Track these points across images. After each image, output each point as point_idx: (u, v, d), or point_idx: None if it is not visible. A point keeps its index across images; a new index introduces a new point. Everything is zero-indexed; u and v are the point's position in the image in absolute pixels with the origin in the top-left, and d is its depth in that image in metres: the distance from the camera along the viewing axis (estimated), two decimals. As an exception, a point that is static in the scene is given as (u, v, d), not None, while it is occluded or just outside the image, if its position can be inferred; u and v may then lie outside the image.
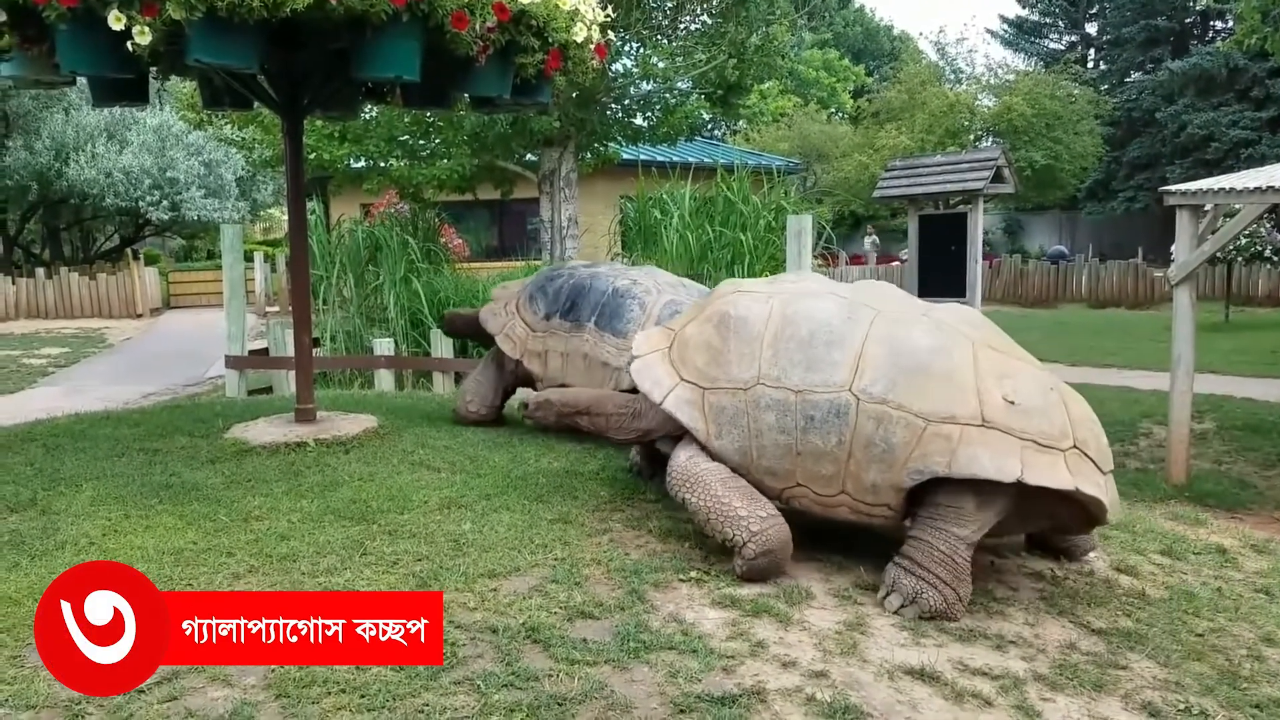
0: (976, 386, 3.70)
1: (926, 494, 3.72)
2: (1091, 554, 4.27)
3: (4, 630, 3.13)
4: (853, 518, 3.89)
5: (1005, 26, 44.95)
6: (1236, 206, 8.96)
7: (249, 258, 20.01)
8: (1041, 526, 4.05)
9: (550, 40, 4.93)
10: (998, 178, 14.47)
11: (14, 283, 23.67)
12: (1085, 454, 3.68)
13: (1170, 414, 9.06)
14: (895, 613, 3.52)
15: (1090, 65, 41.03)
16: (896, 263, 29.38)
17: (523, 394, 6.02)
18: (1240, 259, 20.95)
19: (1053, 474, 3.57)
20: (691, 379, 4.10)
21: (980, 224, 14.54)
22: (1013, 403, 3.67)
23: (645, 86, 14.45)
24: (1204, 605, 3.87)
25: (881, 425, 3.70)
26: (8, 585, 3.52)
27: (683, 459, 4.02)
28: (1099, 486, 3.65)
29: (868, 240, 29.88)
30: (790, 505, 3.99)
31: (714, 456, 4.00)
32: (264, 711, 2.67)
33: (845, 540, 4.14)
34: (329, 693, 2.75)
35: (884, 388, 3.73)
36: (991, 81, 36.96)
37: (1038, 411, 3.68)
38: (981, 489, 3.63)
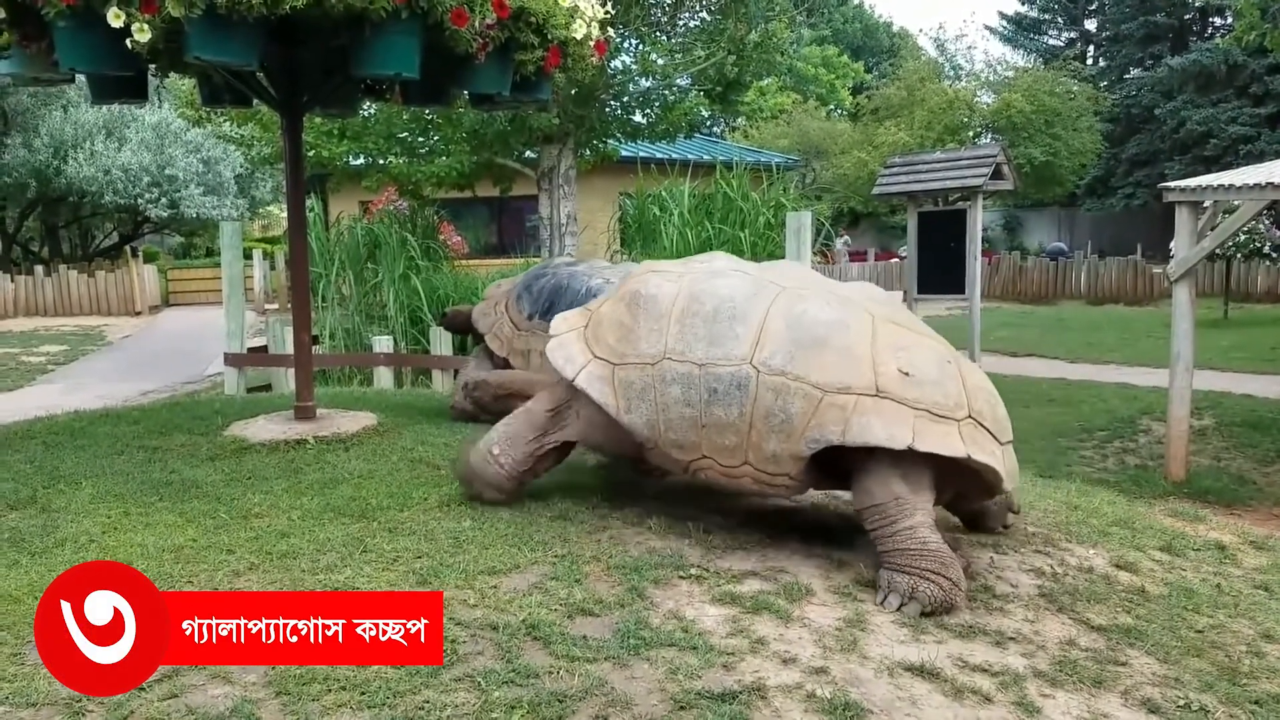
0: (873, 359, 3.79)
1: (861, 488, 3.78)
2: (1005, 527, 4.41)
3: (4, 628, 3.13)
4: (756, 488, 4.02)
5: (1004, 23, 44.97)
6: (1235, 203, 8.97)
7: (248, 255, 20.01)
8: (946, 498, 4.08)
9: (549, 37, 4.93)
10: (997, 174, 14.46)
11: (13, 280, 23.69)
12: (981, 424, 3.77)
13: (1169, 410, 9.07)
14: (898, 610, 3.50)
15: (1089, 62, 41.03)
16: (895, 259, 29.39)
17: (462, 376, 6.08)
18: (1239, 255, 20.98)
19: (945, 442, 3.66)
20: (604, 356, 4.22)
21: (979, 221, 14.53)
22: (907, 374, 3.75)
23: (644, 83, 14.43)
24: (1203, 602, 3.87)
25: (780, 396, 3.80)
26: (8, 583, 3.52)
27: (539, 397, 4.43)
28: (994, 455, 3.73)
29: (839, 241, 29.84)
30: (698, 477, 4.13)
31: (625, 430, 4.13)
32: (265, 709, 2.67)
33: (846, 537, 4.15)
34: (329, 690, 2.75)
35: (783, 360, 3.83)
36: (991, 78, 37.05)
37: (932, 383, 3.76)
38: (904, 468, 3.70)
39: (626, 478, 4.87)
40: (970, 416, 3.76)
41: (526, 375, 4.98)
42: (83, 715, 2.63)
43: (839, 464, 3.87)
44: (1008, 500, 4.35)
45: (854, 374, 3.76)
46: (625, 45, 14.20)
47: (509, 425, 4.39)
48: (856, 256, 32.09)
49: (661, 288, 4.22)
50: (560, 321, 4.55)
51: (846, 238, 34.12)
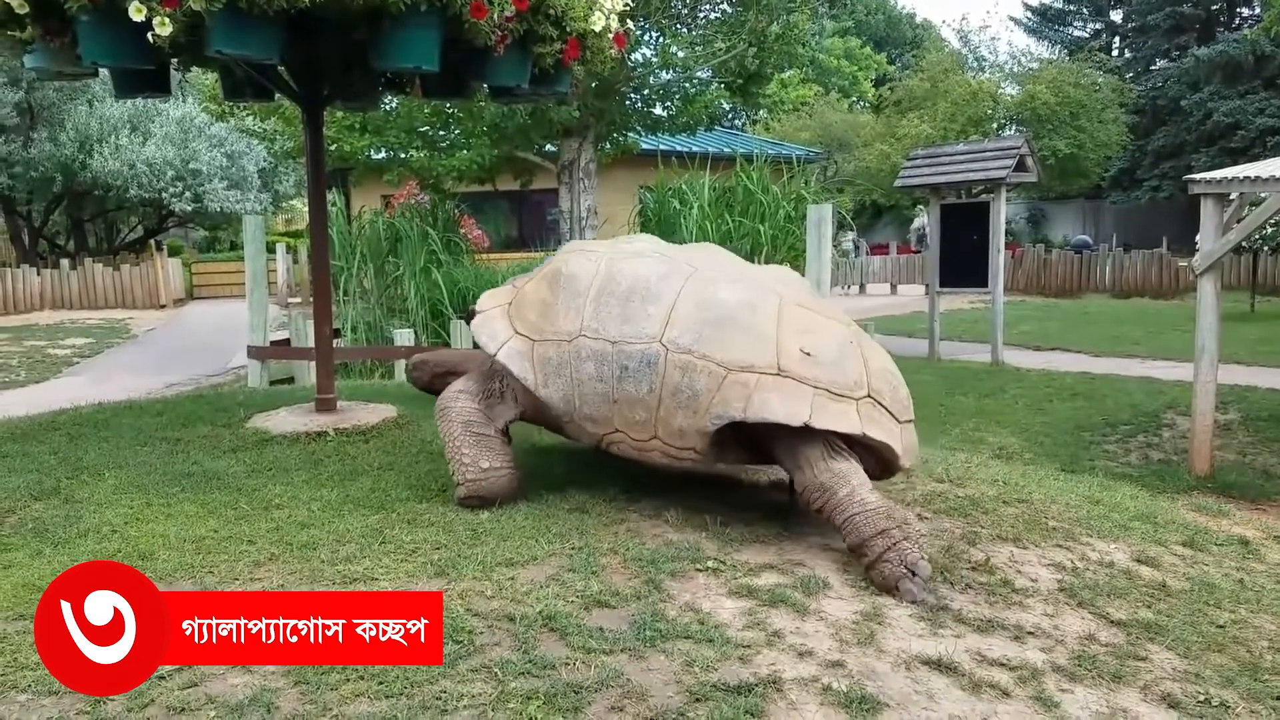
0: (776, 339, 3.93)
1: (799, 471, 3.91)
2: None
3: (28, 617, 3.16)
4: (665, 461, 4.18)
5: (1029, 14, 44.59)
6: (1262, 195, 8.86)
7: (271, 249, 20.13)
8: None
9: (568, 29, 4.92)
10: (1021, 166, 14.38)
11: (39, 274, 23.93)
12: (879, 403, 3.92)
13: (1194, 404, 8.99)
14: (917, 600, 3.49)
15: (1115, 53, 40.67)
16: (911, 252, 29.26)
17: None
18: (1266, 248, 20.73)
19: (842, 419, 3.80)
20: (525, 332, 4.36)
21: (1003, 213, 14.46)
22: (809, 354, 3.89)
23: (664, 76, 14.42)
24: (1225, 597, 3.84)
25: (687, 374, 3.95)
26: (31, 572, 3.56)
27: (449, 391, 4.50)
28: (891, 433, 3.89)
29: (848, 239, 29.69)
30: (611, 451, 4.27)
31: (542, 404, 4.29)
32: (283, 698, 2.69)
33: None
34: (347, 680, 2.77)
35: (690, 339, 3.98)
36: (1015, 69, 36.75)
37: (832, 363, 3.90)
38: (827, 445, 3.84)
39: (643, 471, 4.88)
40: (869, 396, 3.91)
41: (463, 352, 5.05)
42: (103, 704, 2.66)
43: (750, 439, 4.05)
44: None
45: (757, 353, 3.91)
46: (645, 38, 14.19)
47: (465, 443, 4.32)
48: (878, 249, 31.97)
49: (582, 266, 4.38)
50: (486, 298, 4.70)
51: (854, 235, 33.98)
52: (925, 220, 29.39)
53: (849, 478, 3.79)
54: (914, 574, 3.54)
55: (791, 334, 3.95)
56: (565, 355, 4.20)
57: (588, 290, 4.26)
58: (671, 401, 3.98)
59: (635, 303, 4.13)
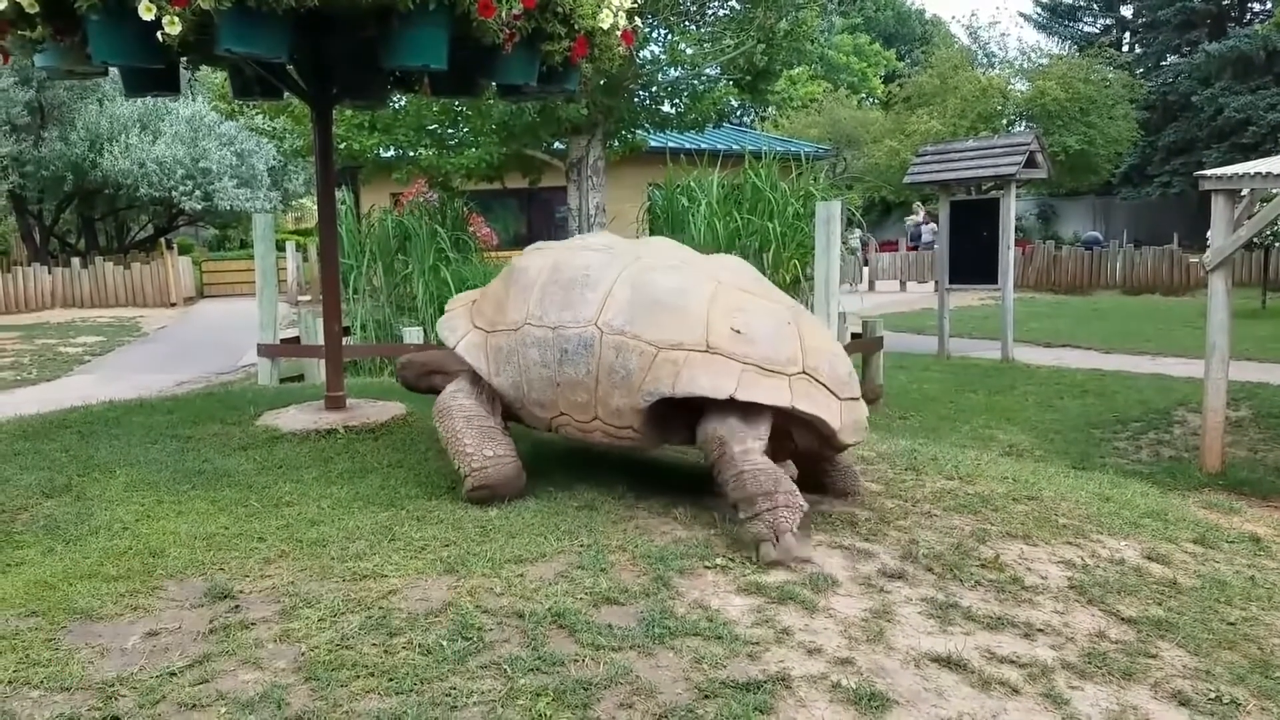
0: (707, 319, 4.08)
1: (702, 427, 4.05)
2: (852, 494, 4.57)
3: (40, 614, 3.18)
4: (607, 441, 4.34)
5: (1038, 10, 44.41)
6: (1274, 191, 8.82)
7: (281, 247, 20.17)
8: (790, 448, 4.32)
9: (576, 27, 4.92)
10: (1031, 163, 14.34)
11: (50, 272, 24.01)
12: (816, 379, 4.05)
13: (1205, 401, 8.95)
14: (773, 563, 3.66)
15: (1125, 48, 40.45)
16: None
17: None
18: (1277, 244, 20.62)
19: (770, 393, 3.94)
20: (481, 325, 4.59)
21: (1013, 210, 14.42)
22: (739, 332, 4.04)
23: (673, 73, 14.40)
24: (1236, 594, 3.83)
25: (621, 354, 4.13)
26: (43, 569, 3.58)
27: (446, 392, 4.61)
28: (828, 409, 4.01)
29: (855, 236, 29.55)
30: (559, 433, 4.50)
31: (495, 392, 4.48)
32: (294, 694, 2.70)
33: (872, 530, 4.13)
34: (358, 676, 2.78)
35: (623, 321, 4.16)
36: (1025, 66, 36.59)
37: (764, 340, 4.04)
38: (741, 409, 3.97)
39: (652, 468, 4.88)
40: (804, 372, 4.04)
41: (447, 351, 5.11)
42: (115, 700, 2.67)
43: (691, 421, 4.15)
44: (853, 477, 4.62)
45: (687, 332, 4.07)
46: (653, 35, 14.17)
47: (469, 435, 4.38)
48: (887, 246, 31.88)
49: (532, 261, 4.63)
50: (454, 300, 5.02)
51: (862, 232, 33.85)
52: (919, 218, 29.23)
53: (745, 437, 3.94)
54: (778, 540, 3.70)
55: (723, 314, 4.09)
56: (513, 343, 4.41)
57: (534, 282, 4.47)
58: (608, 382, 4.16)
59: (575, 290, 4.32)
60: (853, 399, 4.17)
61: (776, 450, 4.22)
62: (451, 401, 4.53)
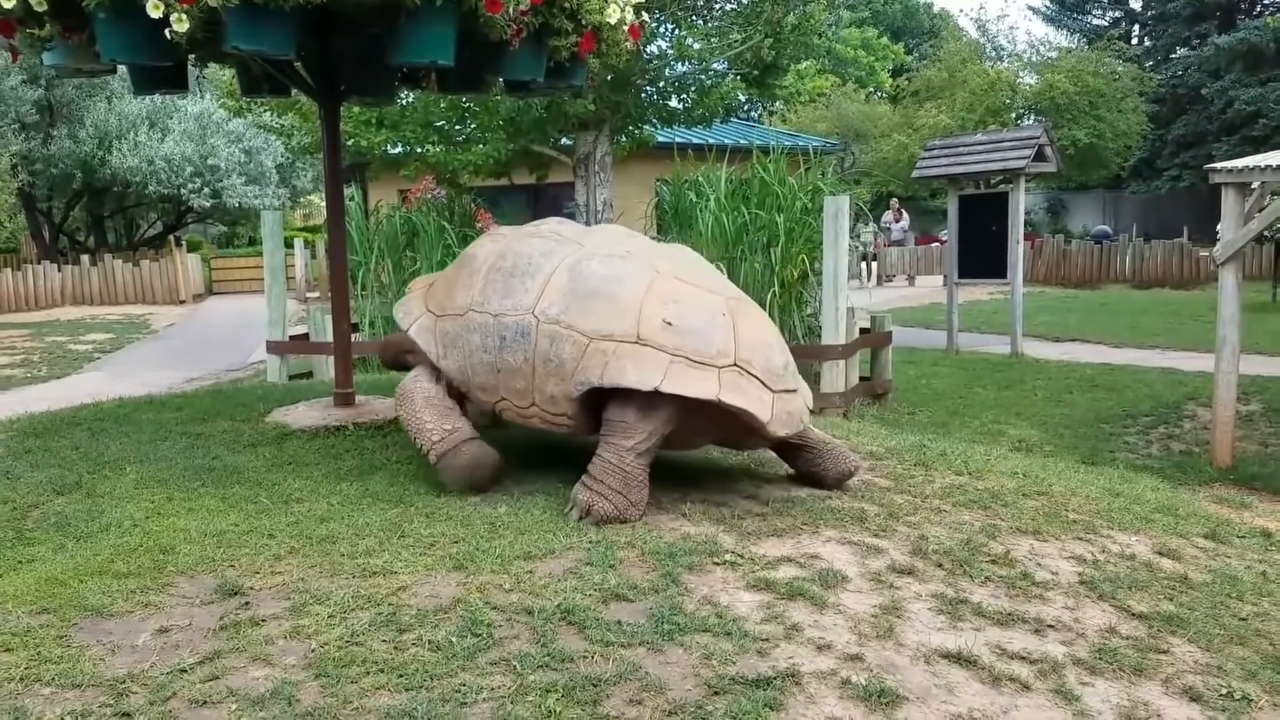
0: (639, 309, 4.13)
1: (606, 411, 4.16)
2: (849, 481, 4.64)
3: (51, 611, 3.19)
4: (544, 427, 4.42)
5: (1047, 3, 44.24)
6: (1285, 184, 8.77)
7: (289, 244, 20.21)
8: (715, 438, 4.50)
9: (584, 22, 4.91)
10: (1040, 156, 14.28)
11: (60, 270, 24.10)
12: (748, 372, 4.09)
13: (1215, 395, 8.92)
14: (579, 522, 3.94)
15: (1135, 41, 40.31)
16: (936, 243, 29.08)
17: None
18: (1288, 238, 20.52)
19: (698, 385, 3.99)
20: (433, 310, 4.69)
21: (1022, 204, 14.37)
22: (670, 324, 4.08)
23: (680, 68, 14.36)
24: (1248, 589, 3.81)
25: (555, 343, 4.20)
26: (54, 566, 3.59)
27: (409, 377, 4.74)
28: (758, 401, 4.06)
29: (868, 229, 29.40)
30: (503, 418, 4.59)
31: (443, 375, 4.60)
32: (304, 690, 2.70)
33: (882, 525, 4.13)
34: (368, 672, 2.78)
35: (558, 310, 4.23)
36: (1033, 59, 36.44)
37: (695, 332, 4.08)
38: (644, 402, 4.06)
39: (660, 465, 4.88)
40: (735, 364, 4.07)
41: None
42: (126, 696, 2.68)
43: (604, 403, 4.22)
44: (839, 457, 4.61)
45: (618, 323, 4.12)
46: (661, 30, 14.14)
47: (429, 415, 4.54)
48: (896, 241, 31.77)
49: (482, 247, 4.74)
50: (413, 284, 5.10)
51: (873, 227, 33.75)
52: (890, 217, 28.95)
53: (632, 433, 4.07)
54: (587, 516, 3.98)
55: (656, 305, 4.14)
56: (459, 329, 4.52)
57: (480, 268, 4.57)
58: (543, 369, 4.23)
59: (516, 278, 4.41)
60: (787, 391, 4.21)
61: (705, 436, 4.43)
62: (413, 385, 4.67)
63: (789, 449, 4.57)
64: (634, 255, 4.41)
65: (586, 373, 4.11)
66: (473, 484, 4.42)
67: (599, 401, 4.22)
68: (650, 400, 4.05)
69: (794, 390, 4.26)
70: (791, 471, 4.73)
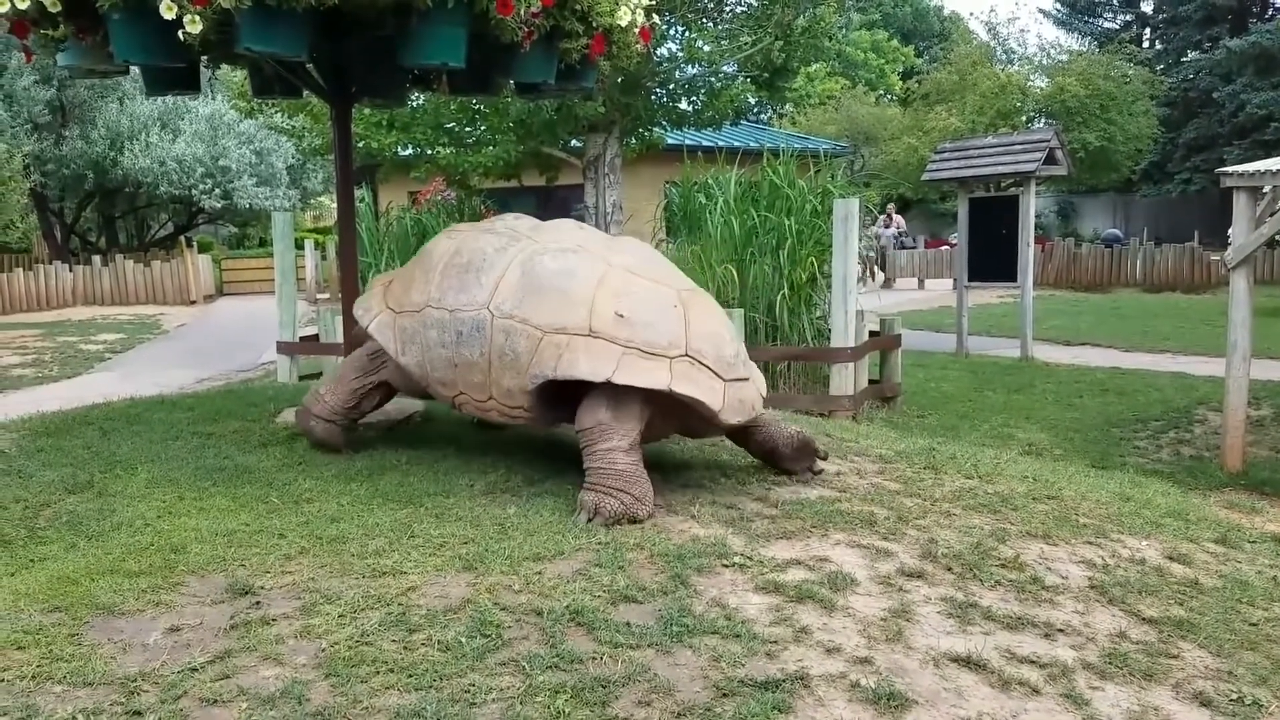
0: (592, 302, 4.22)
1: (578, 416, 4.22)
2: (815, 470, 4.73)
3: (62, 609, 3.20)
4: (501, 419, 4.55)
5: (1058, 6, 44.14)
6: (1297, 188, 8.74)
7: (300, 245, 20.24)
8: (674, 429, 4.56)
9: (594, 25, 4.92)
10: (1050, 160, 14.25)
11: (71, 270, 24.16)
12: (699, 362, 4.18)
13: (1226, 400, 8.89)
14: (588, 524, 3.94)
15: (1146, 45, 40.19)
16: (946, 246, 29.02)
17: None
18: (1301, 242, 20.44)
19: (650, 376, 4.07)
20: (392, 306, 4.79)
21: (1032, 207, 14.34)
22: (622, 316, 4.17)
23: (690, 70, 14.37)
24: (1258, 594, 3.80)
25: (509, 337, 4.30)
26: (66, 565, 3.61)
27: (359, 350, 5.04)
28: (710, 390, 4.14)
29: (886, 232, 29.30)
30: (462, 411, 4.73)
31: (403, 371, 4.75)
32: (314, 690, 2.71)
33: (891, 529, 4.12)
34: (377, 672, 2.79)
35: (512, 305, 4.33)
36: (1044, 62, 36.39)
37: (646, 324, 4.17)
38: (613, 400, 4.13)
39: (668, 466, 4.88)
40: (686, 354, 4.16)
41: None
42: (138, 695, 2.69)
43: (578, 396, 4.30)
44: (803, 443, 4.69)
45: (571, 316, 4.21)
46: (671, 32, 14.15)
47: (337, 371, 4.96)
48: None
49: (438, 245, 4.83)
50: (373, 280, 5.20)
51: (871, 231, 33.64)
52: (882, 221, 28.74)
53: (611, 434, 4.11)
54: (595, 516, 3.97)
55: (608, 298, 4.23)
56: (417, 325, 4.61)
57: (437, 265, 4.67)
58: (499, 363, 4.33)
59: (471, 274, 4.50)
60: (739, 379, 4.29)
61: (664, 428, 4.49)
62: (360, 349, 5.08)
63: (745, 436, 4.67)
64: (586, 250, 4.51)
65: (541, 365, 4.20)
66: (305, 429, 5.07)
67: (556, 393, 4.32)
68: (617, 397, 4.14)
69: (746, 378, 4.35)
70: (799, 478, 4.73)
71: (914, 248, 29.23)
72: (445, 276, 4.57)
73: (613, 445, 4.10)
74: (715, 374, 4.20)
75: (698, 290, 4.58)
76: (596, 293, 4.25)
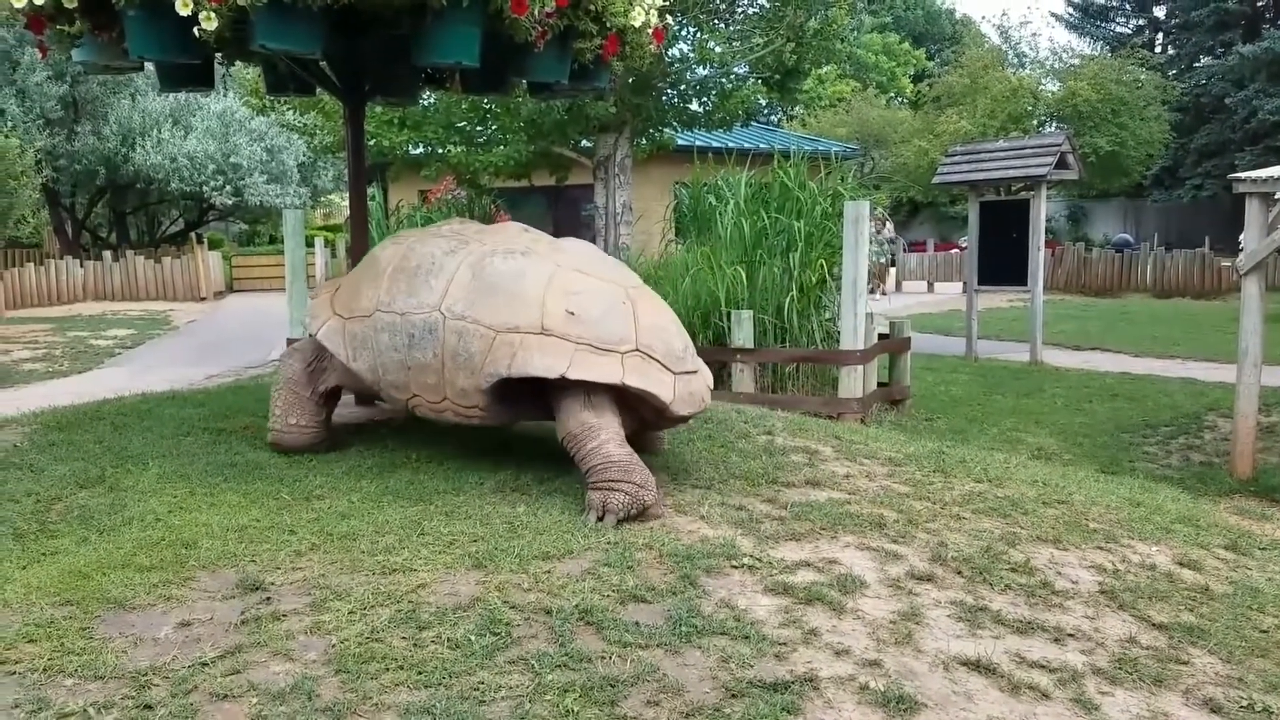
0: (542, 302, 4.30)
1: (559, 422, 4.30)
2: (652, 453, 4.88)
3: (74, 603, 3.22)
4: (456, 420, 4.57)
5: (1070, 10, 44.05)
6: (1310, 194, 8.70)
7: (309, 243, 20.29)
8: (632, 424, 4.50)
9: (608, 25, 4.93)
10: (1062, 164, 14.22)
11: (82, 265, 24.24)
12: (649, 356, 4.27)
13: (1236, 406, 8.85)
14: (598, 523, 3.96)
15: (1158, 49, 40.07)
16: (955, 249, 28.95)
17: None
18: (1313, 248, 20.33)
19: (602, 371, 4.17)
20: (340, 312, 4.83)
21: (1043, 211, 14.30)
22: (572, 314, 4.26)
23: (701, 71, 14.38)
24: (1269, 601, 3.79)
25: (462, 338, 4.35)
26: (77, 559, 3.62)
27: (284, 354, 5.15)
28: (660, 383, 4.23)
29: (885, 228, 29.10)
30: (417, 414, 4.72)
31: (354, 376, 4.80)
32: (324, 685, 2.72)
33: (901, 531, 4.12)
34: (387, 669, 2.80)
35: (464, 306, 4.38)
36: (1056, 66, 36.27)
37: (596, 321, 4.26)
38: (587, 402, 4.22)
39: (678, 466, 4.88)
40: (637, 349, 4.25)
41: None
42: (148, 689, 2.70)
43: (538, 396, 4.41)
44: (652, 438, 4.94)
45: (522, 316, 4.29)
46: (683, 33, 14.15)
47: (282, 397, 5.01)
48: (916, 246, 31.69)
49: (385, 250, 4.86)
50: (320, 287, 5.26)
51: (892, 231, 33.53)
52: (873, 227, 28.42)
53: (597, 431, 4.16)
54: (607, 514, 3.99)
55: (558, 296, 4.31)
56: (367, 329, 4.64)
57: (385, 269, 4.70)
58: (453, 364, 4.38)
59: (421, 277, 4.54)
60: (688, 372, 4.38)
61: (624, 422, 4.46)
62: (285, 360, 5.10)
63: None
64: (534, 250, 4.59)
65: (495, 364, 4.26)
66: (285, 452, 4.98)
67: (509, 392, 4.41)
68: (591, 397, 4.22)
69: (695, 371, 4.44)
70: (808, 479, 4.73)
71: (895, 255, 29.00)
72: (394, 281, 4.62)
73: (601, 440, 4.14)
74: (665, 367, 4.30)
75: (644, 287, 4.68)
76: (547, 292, 4.34)
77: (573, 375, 4.15)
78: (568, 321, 4.25)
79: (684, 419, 4.52)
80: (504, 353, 4.25)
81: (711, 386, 4.62)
